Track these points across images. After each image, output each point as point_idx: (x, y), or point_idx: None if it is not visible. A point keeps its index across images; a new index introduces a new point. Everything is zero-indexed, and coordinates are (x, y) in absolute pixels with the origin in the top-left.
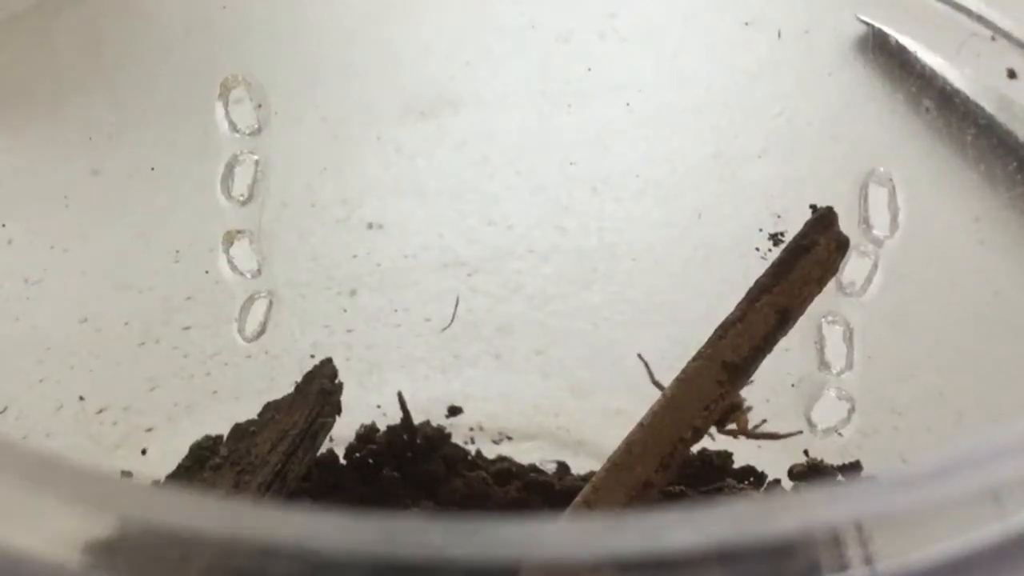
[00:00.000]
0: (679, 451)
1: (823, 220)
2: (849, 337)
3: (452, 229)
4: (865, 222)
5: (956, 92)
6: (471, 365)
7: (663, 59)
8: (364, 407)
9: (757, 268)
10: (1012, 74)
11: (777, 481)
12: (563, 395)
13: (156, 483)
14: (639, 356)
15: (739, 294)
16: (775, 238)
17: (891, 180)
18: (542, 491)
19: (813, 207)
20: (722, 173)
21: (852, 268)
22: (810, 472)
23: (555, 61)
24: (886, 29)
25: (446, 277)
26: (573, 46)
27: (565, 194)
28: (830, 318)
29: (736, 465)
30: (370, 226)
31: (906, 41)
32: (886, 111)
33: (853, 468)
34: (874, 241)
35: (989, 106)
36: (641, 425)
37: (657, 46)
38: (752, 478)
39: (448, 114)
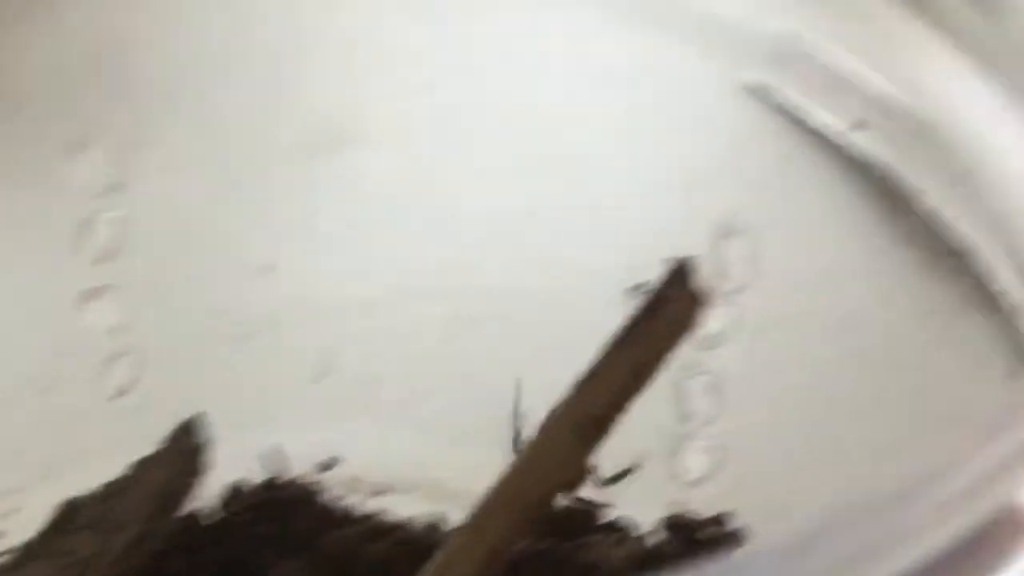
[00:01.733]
0: (532, 516)
1: (679, 273)
2: (712, 388)
3: (345, 270)
4: (721, 275)
5: (818, 140)
6: (347, 415)
7: (535, 103)
8: (235, 461)
9: (619, 318)
10: (855, 128)
11: (647, 533)
12: (441, 445)
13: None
14: (516, 382)
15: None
16: (636, 289)
17: (744, 233)
18: (415, 547)
19: (671, 258)
20: (579, 224)
21: (712, 318)
22: (679, 524)
23: (453, 98)
24: (753, 77)
25: (335, 321)
26: (469, 83)
27: (462, 233)
28: (691, 370)
29: (603, 518)
30: (264, 269)
31: (771, 87)
32: (747, 160)
33: (721, 520)
34: (730, 294)
35: (849, 153)
36: (494, 488)
37: (535, 90)
38: (622, 530)
39: (343, 151)
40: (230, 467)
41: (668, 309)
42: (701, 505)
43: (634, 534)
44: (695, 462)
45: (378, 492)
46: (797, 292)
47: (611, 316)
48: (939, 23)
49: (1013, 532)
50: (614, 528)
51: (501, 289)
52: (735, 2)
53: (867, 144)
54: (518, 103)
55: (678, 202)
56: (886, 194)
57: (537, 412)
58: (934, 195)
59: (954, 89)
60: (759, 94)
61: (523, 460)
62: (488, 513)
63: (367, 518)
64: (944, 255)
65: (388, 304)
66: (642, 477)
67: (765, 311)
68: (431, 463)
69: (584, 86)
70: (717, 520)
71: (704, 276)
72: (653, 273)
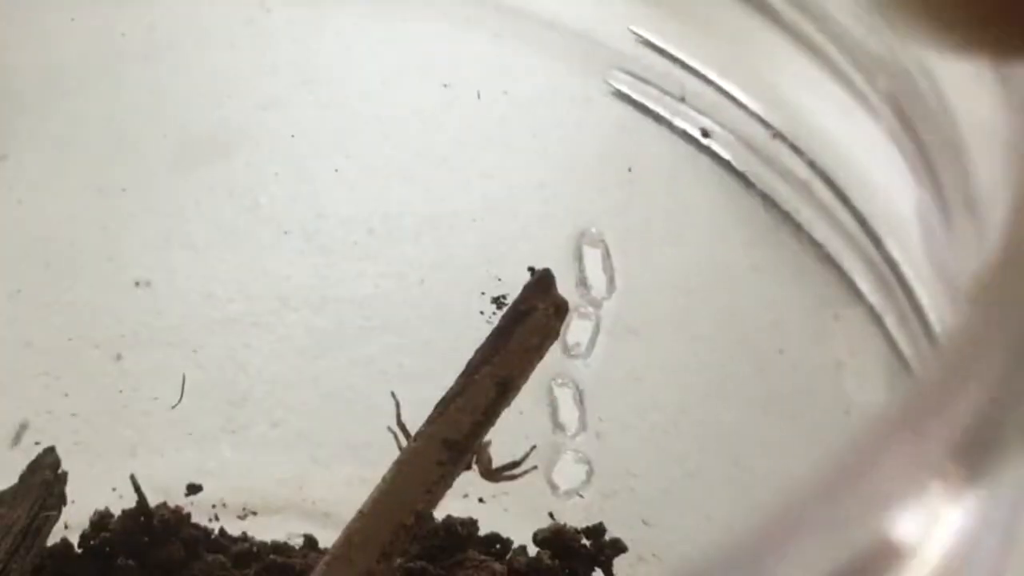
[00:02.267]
0: (402, 538)
1: (540, 284)
2: (579, 399)
3: (223, 283)
4: (583, 284)
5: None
6: (209, 438)
7: (401, 116)
8: (99, 490)
9: (485, 332)
10: (705, 133)
11: (523, 548)
12: (304, 465)
13: None
14: (392, 394)
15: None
16: (498, 301)
17: (603, 241)
18: (287, 570)
19: (531, 269)
20: (439, 235)
21: (575, 329)
22: (554, 537)
23: (317, 111)
24: (620, 85)
25: (197, 340)
26: (335, 96)
27: (328, 245)
28: (559, 380)
29: (481, 532)
30: (138, 281)
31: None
32: (597, 171)
33: (596, 531)
34: (592, 303)
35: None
36: (361, 513)
37: (400, 104)
38: (498, 545)
39: (218, 161)
40: (95, 496)
41: (531, 319)
42: (575, 516)
43: (511, 548)
44: (568, 473)
45: (244, 515)
46: (661, 297)
47: (477, 325)
48: (793, 34)
49: (886, 563)
50: (490, 543)
51: (365, 299)
52: (591, 13)
53: (723, 148)
54: (383, 115)
55: (541, 210)
56: (749, 197)
57: (408, 424)
58: (789, 199)
59: (805, 96)
60: (626, 102)
61: (394, 479)
62: (355, 539)
63: (234, 543)
64: (810, 256)
65: (251, 321)
66: (516, 490)
67: (628, 318)
68: (296, 483)
69: (446, 98)
70: (592, 531)
71: (566, 285)
72: (517, 279)
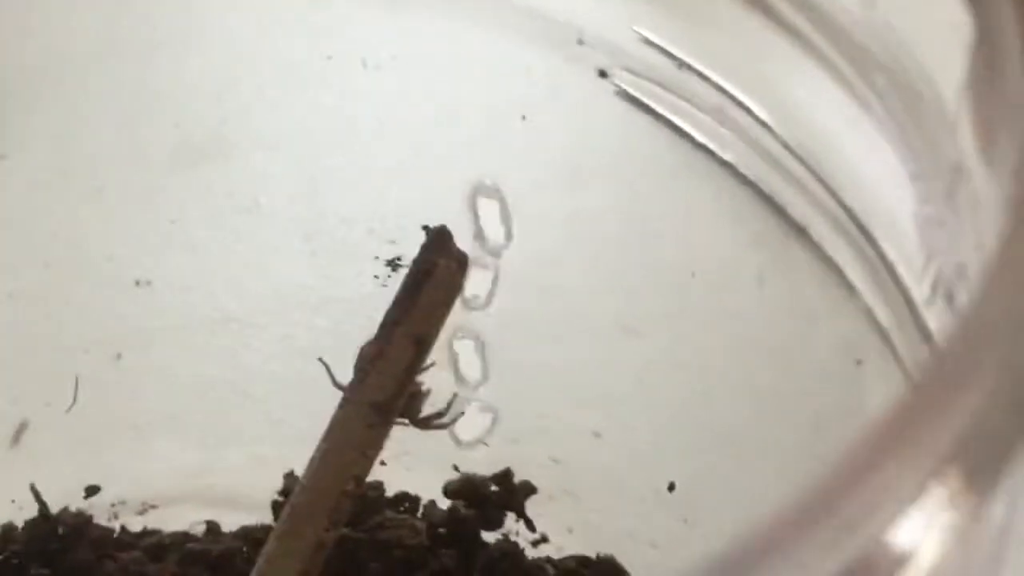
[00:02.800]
0: (344, 504)
1: (438, 240)
2: (481, 350)
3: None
4: (479, 236)
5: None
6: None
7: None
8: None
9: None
10: (603, 73)
11: (433, 502)
12: (198, 452)
13: None
14: (320, 360)
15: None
16: (392, 264)
17: (499, 191)
18: (200, 560)
19: (426, 228)
20: (325, 202)
21: (474, 282)
22: (465, 487)
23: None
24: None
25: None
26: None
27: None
28: (460, 333)
29: (389, 493)
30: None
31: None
32: (483, 119)
33: (504, 477)
34: (491, 253)
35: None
36: (302, 485)
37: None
38: (407, 503)
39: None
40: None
41: (435, 276)
42: (481, 466)
43: (420, 504)
44: (472, 423)
45: (145, 509)
46: (565, 242)
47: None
48: (781, 23)
49: (884, 569)
50: (399, 502)
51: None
52: None
53: (626, 84)
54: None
55: (426, 170)
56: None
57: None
58: (761, 172)
59: (786, 81)
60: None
61: (329, 448)
62: (301, 511)
63: (142, 536)
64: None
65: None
66: (418, 448)
67: (523, 270)
68: (192, 472)
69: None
70: (500, 477)
71: (463, 240)
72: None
